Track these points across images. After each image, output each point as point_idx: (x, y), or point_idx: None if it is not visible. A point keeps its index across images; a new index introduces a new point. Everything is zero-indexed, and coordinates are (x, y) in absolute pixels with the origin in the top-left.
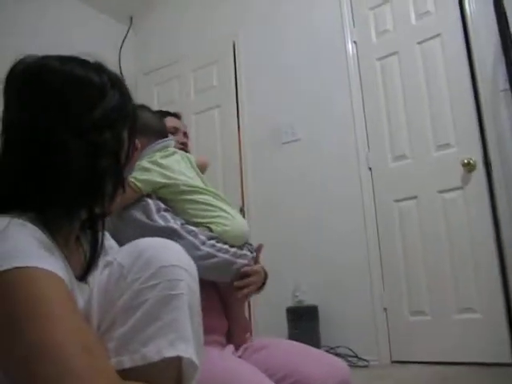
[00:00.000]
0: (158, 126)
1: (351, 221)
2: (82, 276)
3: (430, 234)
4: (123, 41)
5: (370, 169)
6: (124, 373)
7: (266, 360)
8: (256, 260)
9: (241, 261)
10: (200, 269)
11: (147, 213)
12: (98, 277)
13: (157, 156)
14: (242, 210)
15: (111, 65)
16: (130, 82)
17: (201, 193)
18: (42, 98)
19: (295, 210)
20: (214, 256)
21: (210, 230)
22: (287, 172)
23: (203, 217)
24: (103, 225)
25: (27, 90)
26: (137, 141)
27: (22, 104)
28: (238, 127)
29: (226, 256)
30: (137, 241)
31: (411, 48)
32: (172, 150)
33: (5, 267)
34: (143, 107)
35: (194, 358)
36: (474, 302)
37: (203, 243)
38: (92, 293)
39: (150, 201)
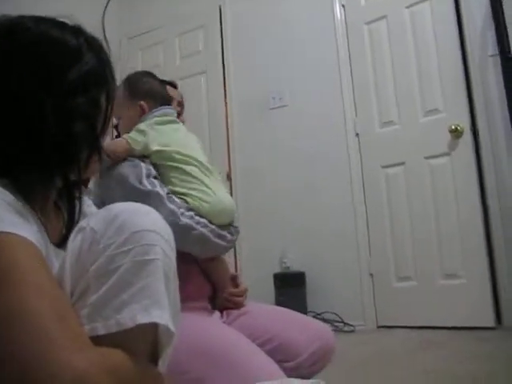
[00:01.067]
0: (161, 94)
1: (338, 187)
2: (60, 243)
3: (417, 200)
4: (106, 5)
5: (358, 135)
6: (98, 339)
7: (249, 324)
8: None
9: (218, 241)
10: (176, 240)
11: (137, 175)
12: (71, 243)
13: (153, 121)
14: (228, 177)
15: (94, 29)
16: (114, 46)
17: (189, 163)
18: (14, 57)
19: (282, 176)
20: (193, 228)
21: (186, 202)
22: (274, 138)
23: (182, 187)
24: (80, 192)
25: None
26: (143, 102)
27: None
28: (225, 93)
29: (204, 230)
30: (110, 205)
31: (400, 12)
32: (172, 118)
33: None
34: (149, 74)
35: (170, 325)
36: (459, 268)
37: (182, 214)
38: (65, 259)
39: (142, 164)
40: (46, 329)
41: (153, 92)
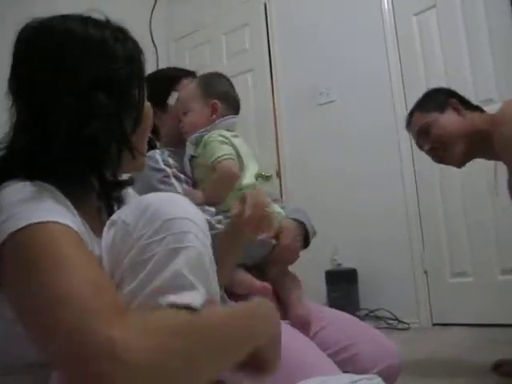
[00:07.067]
0: (235, 100)
1: (389, 182)
2: None
3: (472, 191)
4: (153, 8)
5: None
6: None
7: (325, 334)
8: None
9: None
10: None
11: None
12: (105, 236)
13: (230, 134)
14: (278, 174)
15: (142, 33)
16: (161, 49)
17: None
18: (35, 58)
19: (331, 173)
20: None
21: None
22: (323, 134)
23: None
24: (118, 191)
25: (22, 51)
26: (216, 101)
27: (17, 66)
28: (272, 90)
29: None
30: (141, 197)
31: (450, 0)
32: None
33: (20, 225)
34: (225, 77)
35: (200, 307)
36: None
37: (219, 222)
38: (100, 253)
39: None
40: (83, 299)
41: (227, 95)
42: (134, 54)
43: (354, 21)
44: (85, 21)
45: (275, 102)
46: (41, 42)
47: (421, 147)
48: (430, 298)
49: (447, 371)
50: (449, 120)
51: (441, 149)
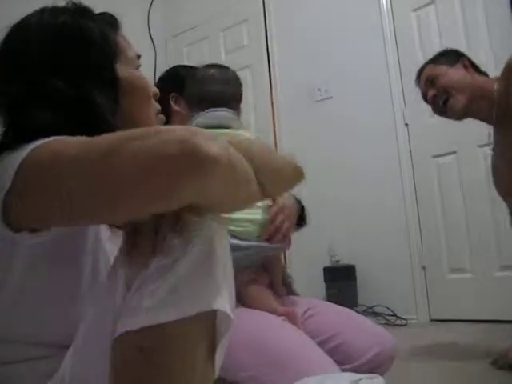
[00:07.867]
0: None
1: (388, 178)
2: None
3: (470, 189)
4: (151, 4)
5: (407, 125)
6: (158, 328)
7: (315, 321)
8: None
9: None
10: None
11: None
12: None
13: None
14: None
15: (140, 29)
16: (160, 45)
17: None
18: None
19: (329, 168)
20: None
21: None
22: (321, 130)
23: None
24: None
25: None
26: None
27: None
28: (270, 86)
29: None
30: None
31: None
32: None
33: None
34: (212, 65)
35: (228, 311)
36: None
37: None
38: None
39: None
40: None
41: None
42: (97, 30)
43: (353, 17)
44: (41, 11)
45: (273, 97)
46: (5, 40)
47: (425, 96)
48: (428, 294)
49: (445, 367)
50: (457, 72)
51: (444, 97)
